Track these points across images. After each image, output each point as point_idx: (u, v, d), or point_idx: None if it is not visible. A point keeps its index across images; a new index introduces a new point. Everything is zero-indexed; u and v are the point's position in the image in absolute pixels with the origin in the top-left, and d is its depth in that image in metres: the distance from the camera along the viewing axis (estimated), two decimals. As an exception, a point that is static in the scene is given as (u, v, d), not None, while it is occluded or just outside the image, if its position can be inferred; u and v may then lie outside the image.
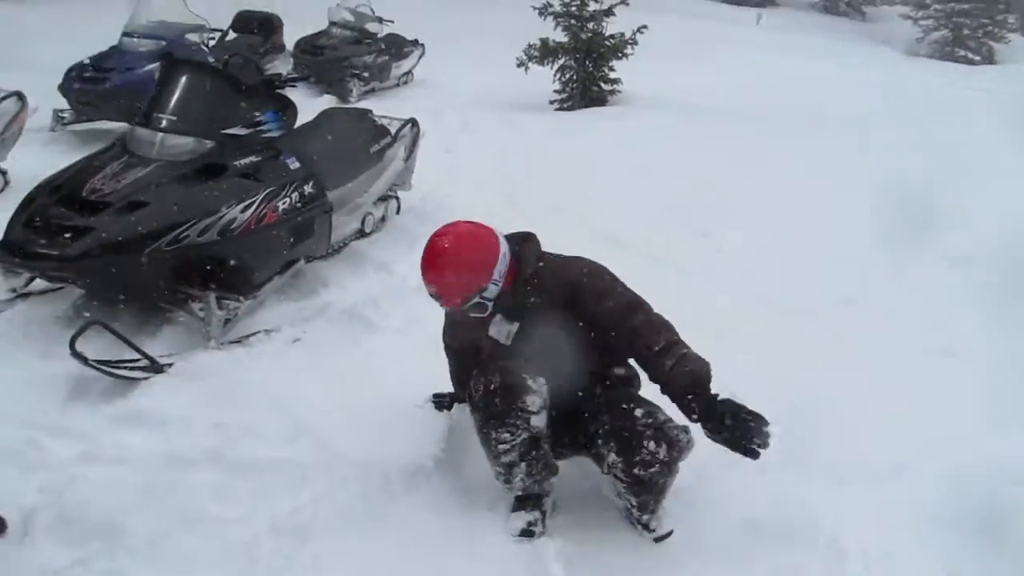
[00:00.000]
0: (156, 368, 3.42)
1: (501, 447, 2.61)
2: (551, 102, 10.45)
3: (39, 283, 3.92)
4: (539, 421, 2.61)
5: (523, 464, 2.67)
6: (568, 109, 10.26)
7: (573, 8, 10.37)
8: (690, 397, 2.50)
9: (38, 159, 5.61)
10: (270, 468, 2.85)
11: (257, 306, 4.10)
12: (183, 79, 4.13)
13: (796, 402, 3.09)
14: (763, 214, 6.09)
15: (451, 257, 2.66)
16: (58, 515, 2.50)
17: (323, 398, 3.29)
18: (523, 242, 2.81)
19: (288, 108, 4.43)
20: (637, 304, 2.62)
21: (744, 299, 4.73)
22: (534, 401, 2.57)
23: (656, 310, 2.63)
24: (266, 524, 2.58)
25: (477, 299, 2.70)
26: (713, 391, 2.51)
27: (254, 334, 3.89)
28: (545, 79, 10.40)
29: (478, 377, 2.63)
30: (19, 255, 3.53)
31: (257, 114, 4.23)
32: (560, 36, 10.38)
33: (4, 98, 5.70)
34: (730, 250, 5.53)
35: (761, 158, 7.41)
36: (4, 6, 15.20)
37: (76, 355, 3.22)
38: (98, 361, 3.29)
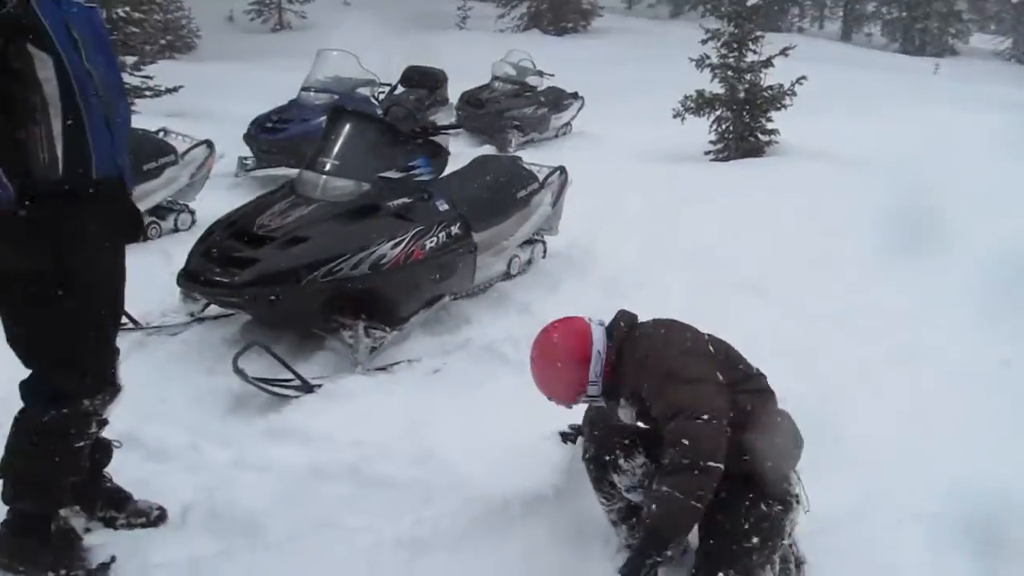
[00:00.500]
0: (307, 388, 3.73)
1: (602, 507, 2.70)
2: (706, 153, 10.45)
3: (213, 308, 4.35)
4: (636, 496, 2.62)
5: (624, 526, 2.74)
6: (723, 160, 10.24)
7: (731, 60, 10.39)
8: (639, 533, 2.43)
9: (222, 200, 6.16)
10: (399, 485, 3.04)
11: (402, 337, 4.36)
12: (346, 128, 4.52)
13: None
14: (919, 270, 5.83)
15: (544, 373, 2.72)
16: (210, 511, 2.80)
17: (455, 425, 3.48)
18: (617, 327, 2.71)
19: (440, 154, 4.73)
20: (678, 410, 2.37)
21: (897, 354, 4.52)
22: (622, 480, 2.62)
23: (702, 418, 2.34)
24: (390, 535, 2.77)
25: (584, 398, 2.73)
26: (655, 548, 2.33)
27: (397, 363, 4.15)
28: (701, 131, 10.43)
29: (587, 436, 2.74)
30: (197, 282, 3.95)
31: (411, 159, 4.55)
32: (717, 88, 10.42)
33: (195, 146, 6.37)
34: (878, 304, 5.34)
35: (928, 214, 7.08)
36: (205, 64, 16.80)
37: (238, 372, 3.56)
38: (257, 379, 3.62)
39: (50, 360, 2.38)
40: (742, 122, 10.34)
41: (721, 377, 2.47)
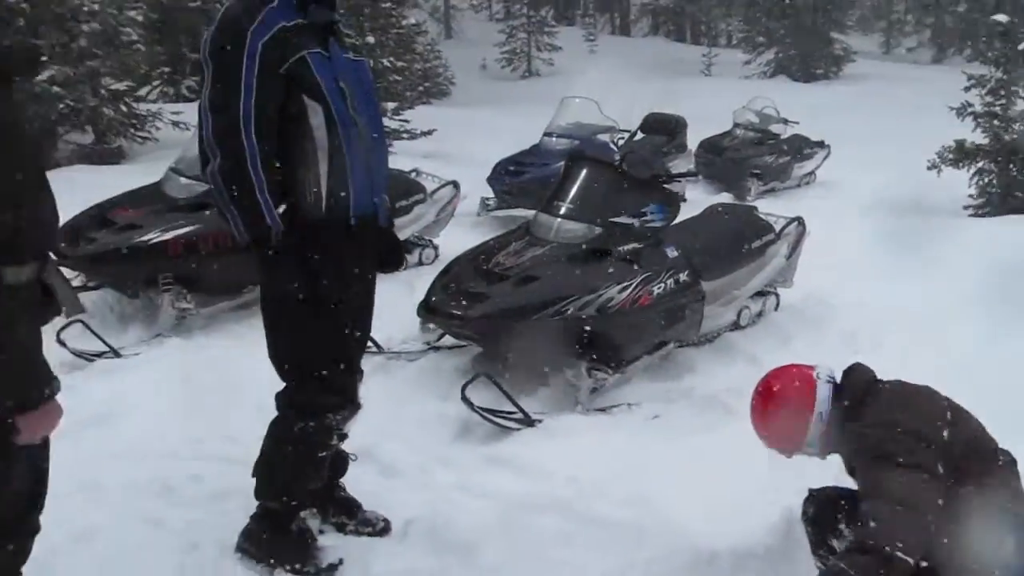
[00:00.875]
0: (528, 422, 3.87)
1: (818, 572, 2.59)
2: (965, 207, 9.70)
3: (448, 338, 4.63)
4: None
5: None
6: (985, 215, 9.44)
7: (996, 108, 9.60)
8: None
9: (463, 238, 6.52)
10: (610, 525, 3.08)
11: (624, 380, 4.41)
12: (582, 173, 4.68)
13: None
14: None
15: (760, 420, 2.66)
16: (430, 528, 2.97)
17: (671, 472, 3.45)
18: (848, 385, 2.59)
19: (672, 201, 4.78)
20: (879, 492, 2.24)
21: None
22: (843, 547, 2.49)
23: (896, 507, 2.17)
24: (597, 572, 2.81)
25: (802, 454, 2.67)
26: None
27: (617, 406, 4.21)
28: (958, 183, 9.70)
29: (808, 496, 2.67)
30: (435, 313, 4.23)
31: (644, 205, 4.62)
32: (979, 138, 9.66)
33: (443, 186, 6.81)
34: None
35: None
36: (458, 110, 17.83)
37: (465, 401, 3.77)
38: (482, 408, 3.81)
39: (303, 376, 2.65)
40: (1009, 176, 9.51)
41: (942, 469, 2.27)
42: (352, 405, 2.77)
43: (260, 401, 3.94)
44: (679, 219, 4.96)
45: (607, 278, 4.24)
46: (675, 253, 4.60)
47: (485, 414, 3.80)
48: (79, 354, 4.62)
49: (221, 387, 4.25)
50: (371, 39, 12.98)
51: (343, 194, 2.56)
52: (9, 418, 1.70)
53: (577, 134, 8.51)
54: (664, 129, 10.01)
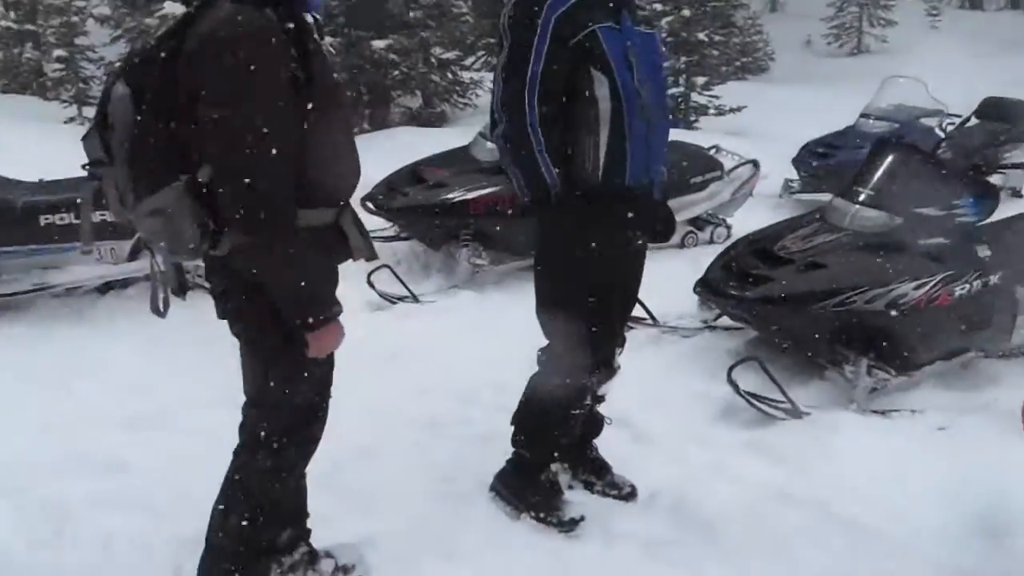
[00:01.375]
0: (795, 413, 3.73)
1: None
2: None
3: (725, 319, 4.56)
4: None
5: None
6: None
7: None
8: None
9: (759, 219, 6.34)
10: (865, 533, 2.90)
11: (910, 384, 4.09)
12: (888, 159, 4.35)
13: None
14: None
15: None
16: (675, 502, 2.99)
17: (947, 490, 3.15)
18: None
19: (991, 196, 4.31)
20: None
21: None
22: None
23: None
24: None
25: None
26: None
27: (898, 410, 3.91)
28: None
29: None
30: (713, 292, 4.20)
31: (956, 198, 4.22)
32: None
33: (742, 164, 6.66)
34: None
35: None
36: (774, 87, 17.18)
37: (731, 383, 3.71)
38: (748, 393, 3.73)
39: (565, 335, 2.77)
40: None
41: None
42: (608, 369, 2.86)
43: (531, 356, 4.21)
44: (1001, 216, 4.47)
45: (902, 272, 3.93)
46: (987, 253, 4.16)
47: (751, 399, 3.71)
48: (384, 296, 5.14)
49: (502, 339, 4.54)
50: (687, 12, 12.85)
51: (619, 165, 2.62)
52: (300, 335, 2.02)
53: (897, 117, 7.90)
54: (1003, 115, 8.93)
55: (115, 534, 2.80)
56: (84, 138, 2.14)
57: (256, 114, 1.87)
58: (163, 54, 1.96)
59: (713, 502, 3.01)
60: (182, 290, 2.32)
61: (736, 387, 3.70)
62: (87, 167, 2.17)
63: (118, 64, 2.58)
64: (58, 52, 13.42)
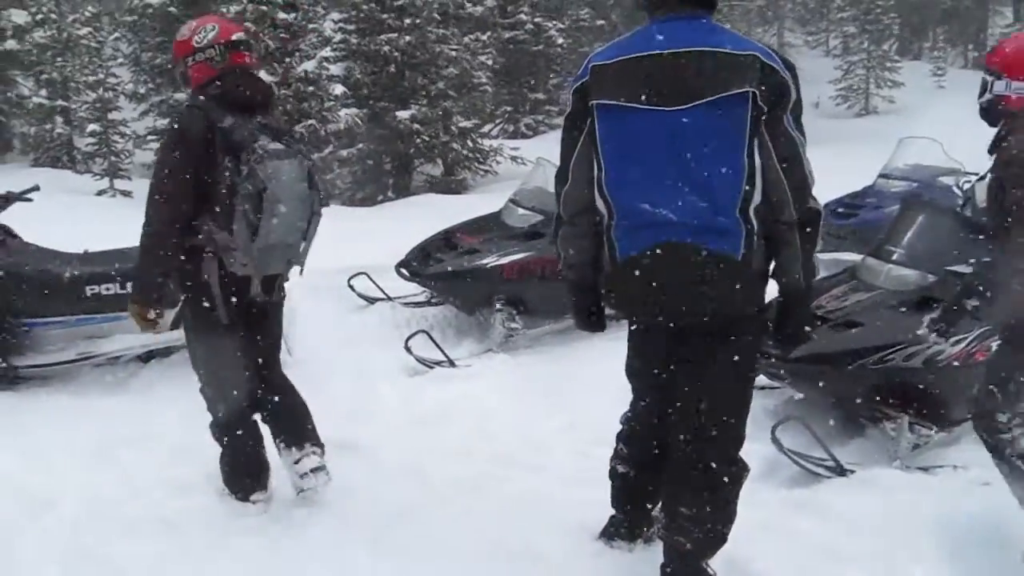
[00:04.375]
0: (840, 471, 3.74)
1: None
2: None
3: (762, 378, 4.57)
4: None
5: None
6: None
7: None
8: None
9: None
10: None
11: (951, 440, 4.09)
12: (918, 218, 4.44)
13: None
14: None
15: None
16: (727, 561, 2.97)
17: (996, 547, 3.18)
18: None
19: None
20: None
21: None
22: None
23: None
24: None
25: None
26: None
27: (940, 467, 3.91)
28: None
29: None
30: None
31: (984, 255, 4.26)
32: None
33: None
34: None
35: None
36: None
37: (775, 442, 3.73)
38: (792, 451, 3.74)
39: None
40: None
41: None
42: None
43: (573, 419, 4.25)
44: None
45: (939, 330, 3.97)
46: (1021, 308, 4.19)
47: (794, 457, 3.73)
48: (421, 361, 5.20)
49: (537, 400, 4.58)
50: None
51: None
52: None
53: (916, 176, 7.99)
54: (1021, 173, 9.03)
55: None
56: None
57: None
58: None
59: (764, 561, 3.02)
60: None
61: (780, 445, 3.72)
62: None
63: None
64: (92, 127, 13.80)
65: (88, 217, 5.62)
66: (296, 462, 3.36)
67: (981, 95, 3.12)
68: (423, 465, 3.87)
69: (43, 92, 15.19)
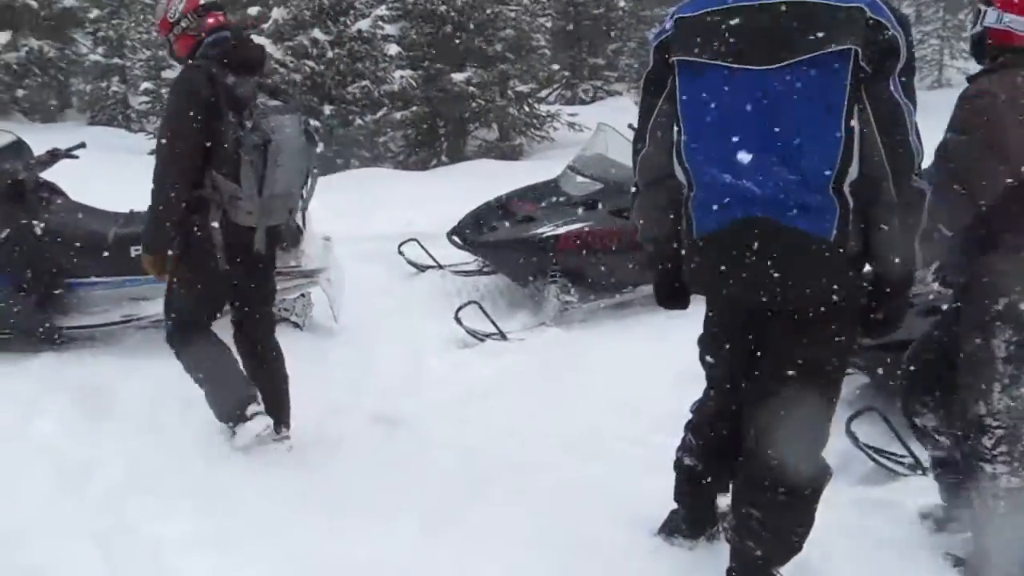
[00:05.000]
0: (920, 468, 3.46)
1: None
2: None
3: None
4: None
5: None
6: None
7: None
8: None
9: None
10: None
11: None
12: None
13: None
14: None
15: None
16: (801, 562, 2.73)
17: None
18: None
19: None
20: None
21: None
22: None
23: None
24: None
25: None
26: None
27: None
28: None
29: None
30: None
31: None
32: None
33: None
34: None
35: None
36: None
37: (850, 435, 3.48)
38: (868, 446, 3.48)
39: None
40: None
41: None
42: None
43: (628, 402, 4.02)
44: None
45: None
46: None
47: (871, 452, 3.47)
48: (472, 333, 5.01)
49: (591, 379, 4.37)
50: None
51: None
52: None
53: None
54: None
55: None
56: None
57: None
58: None
59: (835, 563, 2.79)
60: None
61: (855, 439, 3.47)
62: None
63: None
64: (145, 85, 13.82)
65: (136, 176, 5.48)
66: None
67: (973, 26, 2.72)
68: (470, 443, 3.71)
69: (99, 50, 15.24)
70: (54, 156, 4.60)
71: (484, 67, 12.66)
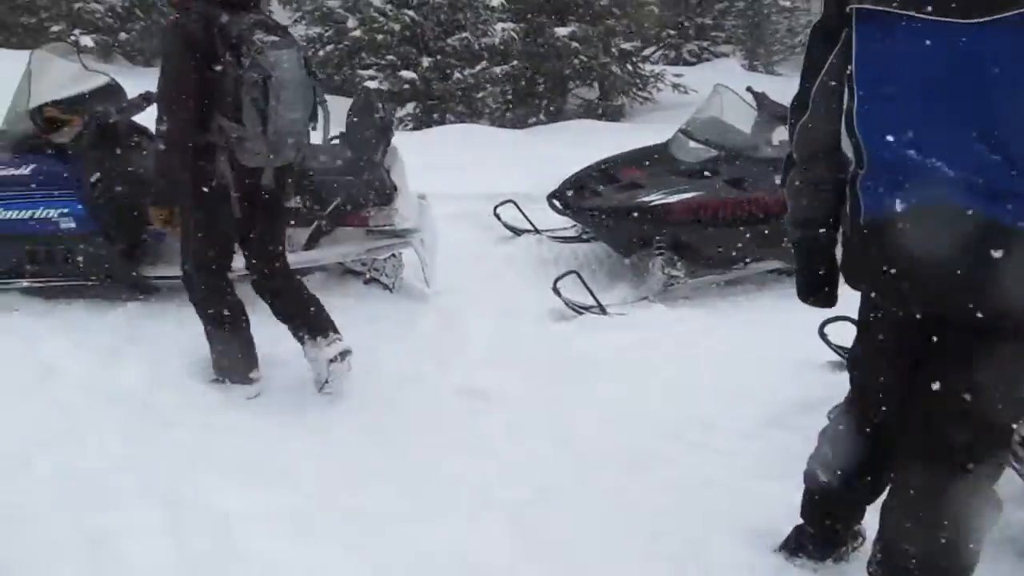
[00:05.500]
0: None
1: None
2: None
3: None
4: None
5: None
6: None
7: None
8: None
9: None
10: None
11: None
12: None
13: None
14: None
15: None
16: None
17: None
18: None
19: None
20: None
21: None
22: None
23: None
24: None
25: None
26: None
27: None
28: None
29: None
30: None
31: None
32: None
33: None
34: None
35: None
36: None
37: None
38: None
39: None
40: None
41: None
42: None
43: (739, 391, 3.66)
44: None
45: None
46: None
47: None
48: (570, 304, 4.70)
49: (699, 364, 4.02)
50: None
51: None
52: None
53: None
54: None
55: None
56: None
57: None
58: None
59: None
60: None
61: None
62: None
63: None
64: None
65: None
66: (327, 347, 3.49)
67: None
68: (566, 428, 3.44)
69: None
70: (147, 99, 4.44)
71: (589, 22, 12.16)
